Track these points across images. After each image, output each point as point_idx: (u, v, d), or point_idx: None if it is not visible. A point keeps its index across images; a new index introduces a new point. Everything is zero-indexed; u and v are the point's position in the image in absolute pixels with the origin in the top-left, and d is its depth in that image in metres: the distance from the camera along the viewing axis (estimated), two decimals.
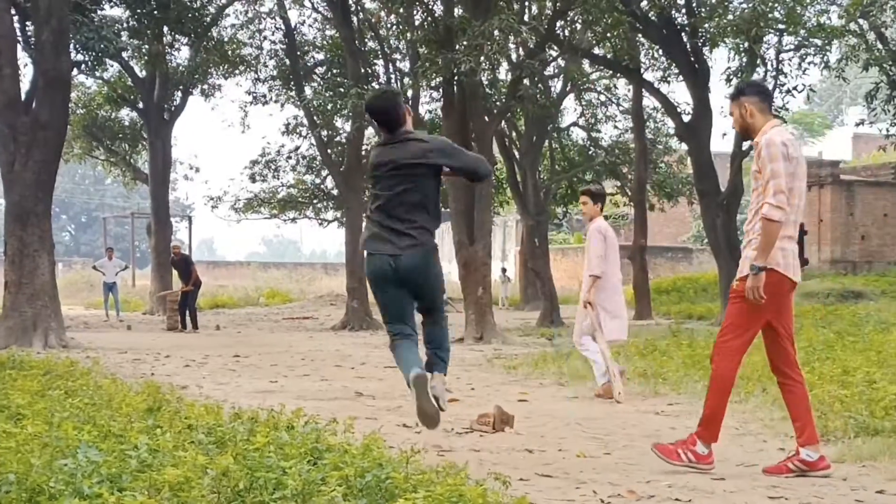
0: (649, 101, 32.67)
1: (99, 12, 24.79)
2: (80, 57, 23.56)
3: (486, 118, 21.62)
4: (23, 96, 18.66)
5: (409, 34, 26.22)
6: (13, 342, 16.65)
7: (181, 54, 33.52)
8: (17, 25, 20.23)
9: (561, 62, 30.56)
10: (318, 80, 34.44)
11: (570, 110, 51.82)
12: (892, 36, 30.04)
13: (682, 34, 23.65)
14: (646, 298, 29.10)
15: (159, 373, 12.70)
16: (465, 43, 18.91)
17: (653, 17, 23.64)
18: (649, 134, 34.34)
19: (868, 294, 29.38)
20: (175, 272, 26.50)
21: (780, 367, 6.44)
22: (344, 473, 4.62)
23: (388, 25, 31.03)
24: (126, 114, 37.55)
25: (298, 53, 31.87)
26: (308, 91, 30.58)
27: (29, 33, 21.07)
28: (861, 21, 25.16)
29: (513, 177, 31.91)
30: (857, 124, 33.58)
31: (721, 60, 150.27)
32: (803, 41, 23.44)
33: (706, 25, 22.42)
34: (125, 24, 27.44)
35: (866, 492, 5.75)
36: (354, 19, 28.91)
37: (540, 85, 28.30)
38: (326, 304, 38.42)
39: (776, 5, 21.82)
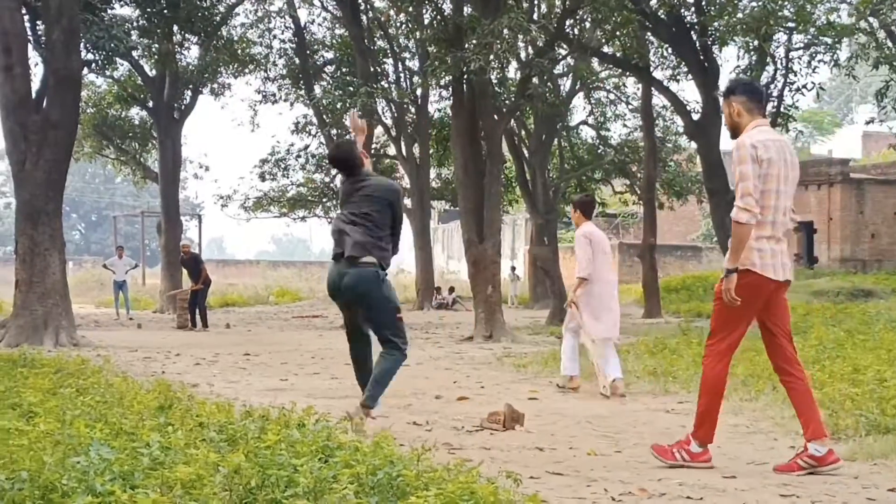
0: (658, 100, 32.68)
1: (109, 11, 24.86)
2: (90, 56, 23.63)
3: (496, 117, 21.62)
4: (33, 95, 18.71)
5: (418, 33, 26.29)
6: (24, 340, 16.68)
7: (191, 53, 33.66)
8: (27, 24, 20.27)
9: (570, 61, 30.57)
10: (328, 78, 34.55)
11: (580, 109, 51.76)
12: None
13: (692, 32, 23.61)
14: (655, 297, 29.06)
15: (170, 371, 12.72)
16: (474, 41, 18.92)
17: (662, 16, 23.61)
18: (658, 132, 34.33)
19: (878, 292, 29.30)
20: (185, 271, 26.52)
21: (780, 365, 6.48)
22: (355, 471, 4.63)
23: (398, 24, 31.12)
24: (136, 113, 37.66)
25: (308, 52, 31.96)
26: (317, 90, 30.69)
27: (40, 32, 21.14)
28: (871, 19, 25.08)
29: (522, 175, 31.91)
30: (867, 122, 33.51)
31: (731, 59, 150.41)
32: (813, 39, 23.39)
33: (716, 24, 22.38)
34: (135, 24, 27.51)
35: (878, 490, 5.74)
36: (364, 18, 28.96)
37: (549, 83, 28.30)
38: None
39: (786, 3, 21.78)
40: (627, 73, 32.29)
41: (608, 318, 10.78)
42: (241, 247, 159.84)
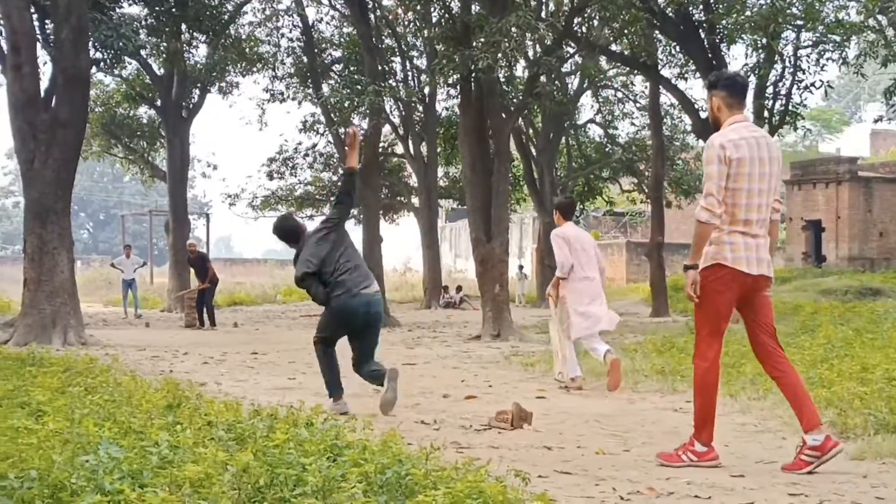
0: (666, 98, 32.63)
1: (118, 10, 24.90)
2: (98, 55, 23.63)
3: (504, 115, 21.61)
4: (42, 94, 18.73)
5: (426, 31, 26.30)
6: (33, 339, 16.70)
7: (199, 52, 33.68)
8: (36, 23, 20.30)
9: (578, 59, 30.58)
10: (336, 77, 34.54)
11: (587, 107, 51.82)
12: None
13: (700, 30, 23.59)
14: (663, 295, 29.02)
15: (178, 370, 12.74)
16: (482, 40, 18.92)
17: (670, 14, 23.59)
18: (666, 131, 34.30)
19: (886, 291, 29.25)
20: (192, 270, 26.55)
21: (764, 360, 6.54)
22: (364, 470, 4.63)
23: (406, 22, 31.14)
24: (144, 111, 37.73)
25: (316, 51, 31.95)
26: (325, 88, 30.65)
27: (48, 31, 21.16)
28: (880, 17, 25.02)
29: (529, 174, 31.93)
30: (876, 121, 33.46)
31: (739, 57, 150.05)
32: (821, 37, 23.38)
33: (724, 21, 22.36)
34: (144, 22, 27.52)
35: (887, 489, 5.73)
36: (372, 16, 28.94)
37: (557, 82, 28.30)
38: None
39: (794, 1, 21.78)
40: (635, 72, 32.27)
41: (592, 315, 11.03)
42: (249, 245, 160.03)
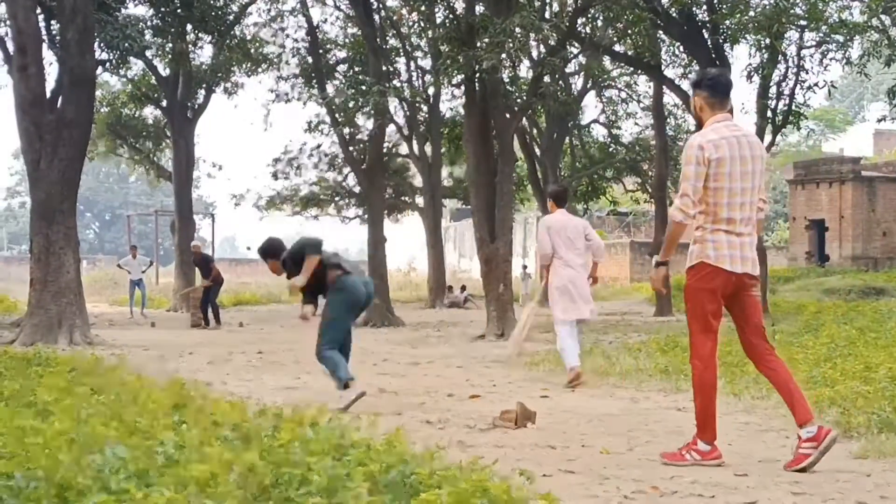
0: (670, 98, 32.62)
1: (123, 11, 24.94)
2: (104, 55, 23.66)
3: (508, 115, 21.61)
4: (48, 94, 18.78)
5: (430, 32, 26.28)
6: (38, 339, 16.75)
7: (204, 52, 33.68)
8: (42, 24, 20.35)
9: (582, 59, 30.57)
10: (340, 77, 34.58)
11: (591, 107, 51.82)
12: None
13: (704, 30, 23.58)
14: (667, 295, 29.00)
15: (184, 370, 12.75)
16: (486, 40, 18.93)
17: (674, 14, 23.58)
18: (670, 131, 34.26)
19: (890, 290, 29.26)
20: (198, 270, 26.61)
21: (755, 359, 6.61)
22: (369, 469, 4.64)
23: (410, 23, 31.11)
24: (150, 112, 37.76)
25: (320, 51, 31.93)
26: (330, 89, 30.70)
27: (54, 32, 21.21)
28: (883, 17, 25.00)
29: (533, 174, 31.92)
30: (879, 120, 33.44)
31: (742, 56, 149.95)
32: (825, 37, 23.34)
33: (727, 21, 22.35)
34: (149, 23, 27.54)
35: (890, 488, 5.75)
36: (376, 17, 28.94)
37: (561, 82, 28.30)
38: None
39: (798, 1, 21.76)
40: (639, 72, 32.26)
41: (574, 300, 11.36)
42: (254, 246, 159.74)
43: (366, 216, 30.67)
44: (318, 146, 40.03)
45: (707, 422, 6.44)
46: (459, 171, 39.75)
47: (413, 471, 4.68)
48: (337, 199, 41.58)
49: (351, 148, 30.94)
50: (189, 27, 28.67)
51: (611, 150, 37.55)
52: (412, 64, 35.42)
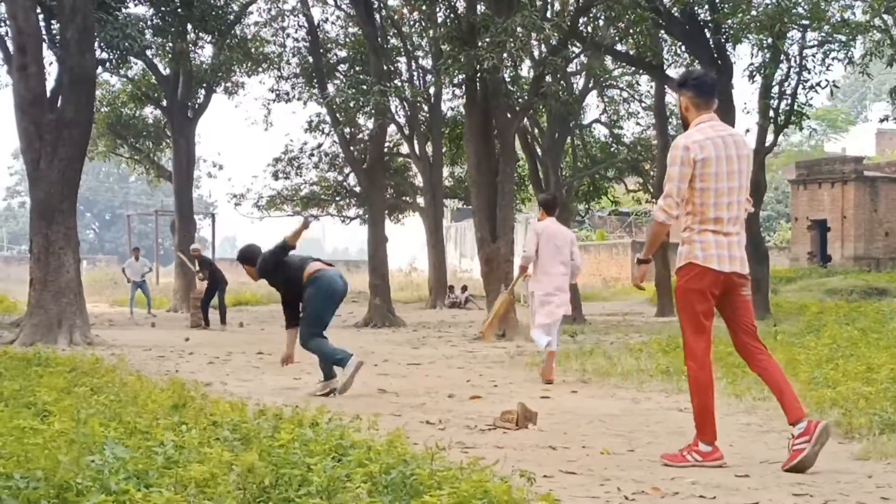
0: (671, 98, 32.54)
1: (123, 10, 24.87)
2: (104, 55, 23.64)
3: (509, 115, 21.61)
4: (48, 94, 18.76)
5: (431, 31, 26.28)
6: (38, 339, 16.72)
7: (205, 52, 33.65)
8: (42, 23, 20.32)
9: (583, 59, 30.51)
10: (341, 77, 34.56)
11: (593, 107, 51.83)
12: None
13: (706, 30, 23.57)
14: (668, 295, 28.93)
15: (183, 370, 12.75)
16: (487, 40, 18.93)
17: (676, 13, 23.57)
18: (671, 130, 34.16)
19: (892, 291, 29.25)
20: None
21: (747, 359, 6.65)
22: (369, 470, 4.63)
23: (411, 23, 31.11)
24: (150, 112, 37.76)
25: (321, 51, 31.92)
26: (331, 88, 30.65)
27: (54, 31, 21.18)
28: (885, 16, 25.00)
29: (535, 174, 31.83)
30: (881, 120, 33.46)
31: (744, 56, 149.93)
32: (827, 37, 23.34)
33: (729, 21, 22.33)
34: (149, 22, 27.53)
35: (892, 489, 5.73)
36: (377, 17, 28.93)
37: (562, 82, 28.25)
38: (349, 300, 38.26)
39: (800, 1, 21.73)
40: (641, 71, 32.22)
41: (552, 303, 11.82)
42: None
43: (366, 216, 30.63)
44: (319, 146, 40.04)
45: (705, 422, 6.43)
46: (460, 170, 39.75)
47: (413, 471, 4.67)
48: (337, 198, 41.58)
49: (352, 147, 30.94)
50: (189, 26, 28.66)
51: (612, 149, 37.48)
52: (413, 63, 35.43)
